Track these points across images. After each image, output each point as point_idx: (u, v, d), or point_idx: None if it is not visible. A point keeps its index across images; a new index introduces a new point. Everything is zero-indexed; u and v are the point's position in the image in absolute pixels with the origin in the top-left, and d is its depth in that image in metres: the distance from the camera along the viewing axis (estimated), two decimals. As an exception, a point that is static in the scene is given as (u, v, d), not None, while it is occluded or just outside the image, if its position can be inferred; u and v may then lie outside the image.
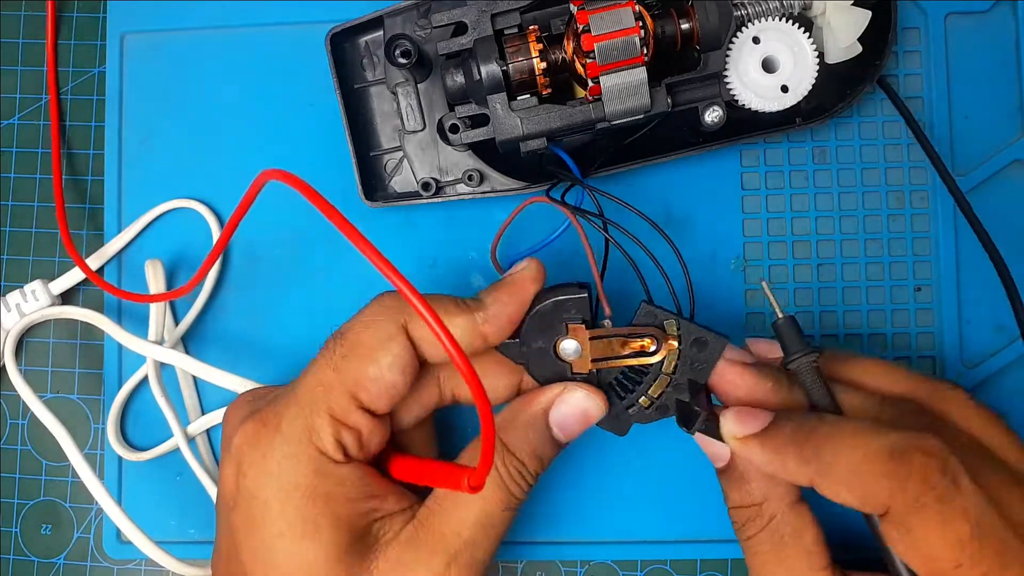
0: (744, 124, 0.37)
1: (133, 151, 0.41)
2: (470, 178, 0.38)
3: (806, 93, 0.36)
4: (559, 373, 0.32)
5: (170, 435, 0.39)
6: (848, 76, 0.37)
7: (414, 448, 0.35)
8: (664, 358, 0.32)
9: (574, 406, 0.32)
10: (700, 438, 0.32)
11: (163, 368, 0.40)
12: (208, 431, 0.40)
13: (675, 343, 0.32)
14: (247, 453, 0.30)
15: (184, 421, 0.40)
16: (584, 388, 0.32)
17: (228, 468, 0.31)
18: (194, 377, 0.40)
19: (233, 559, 0.31)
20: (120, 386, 0.40)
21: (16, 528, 0.41)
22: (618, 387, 0.33)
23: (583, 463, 0.39)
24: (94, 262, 0.40)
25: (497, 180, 0.38)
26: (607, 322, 0.33)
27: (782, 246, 0.39)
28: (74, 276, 0.40)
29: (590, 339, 0.32)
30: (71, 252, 0.39)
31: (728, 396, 0.32)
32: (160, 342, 0.39)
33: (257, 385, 0.37)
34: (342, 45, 0.38)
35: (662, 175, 0.39)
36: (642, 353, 0.32)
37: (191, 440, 0.39)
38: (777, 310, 0.32)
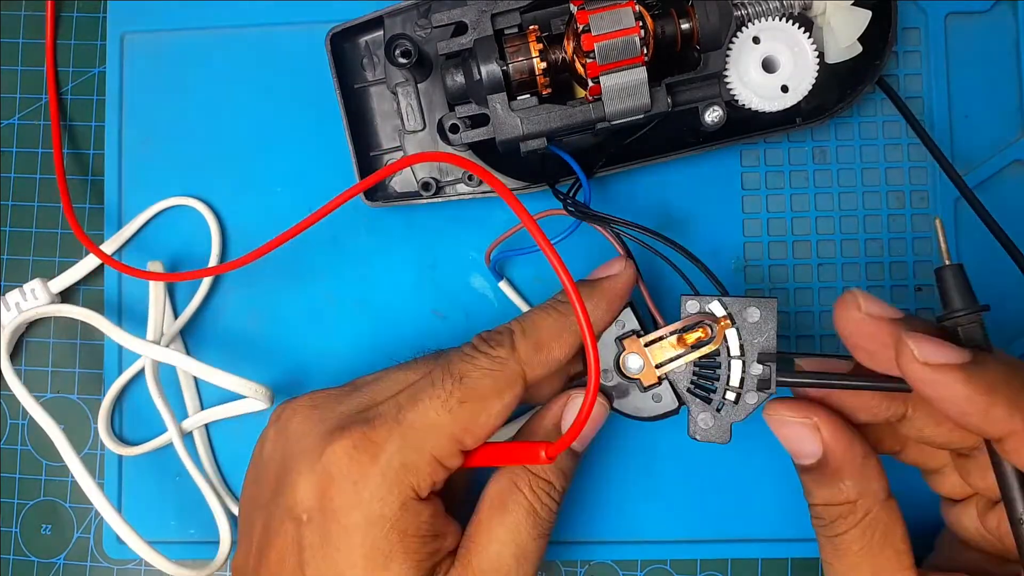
0: (744, 124, 0.37)
1: (133, 151, 0.41)
2: (470, 178, 0.38)
3: (806, 93, 0.36)
4: (626, 390, 0.33)
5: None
6: (848, 76, 0.37)
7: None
8: (725, 341, 0.31)
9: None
10: (788, 435, 0.30)
11: (161, 364, 0.40)
12: (206, 427, 0.40)
13: (727, 321, 0.31)
14: (338, 477, 0.30)
15: (180, 416, 0.40)
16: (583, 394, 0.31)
17: (307, 482, 0.30)
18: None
19: (292, 570, 0.30)
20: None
21: (16, 528, 0.41)
22: (700, 392, 0.32)
23: (583, 463, 0.39)
24: (92, 261, 0.41)
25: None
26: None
27: (782, 246, 0.39)
28: (73, 275, 0.40)
29: (644, 345, 0.32)
30: (80, 237, 0.39)
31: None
32: (158, 340, 0.39)
33: (256, 385, 0.37)
34: (342, 45, 0.38)
35: (662, 175, 0.39)
36: (702, 344, 0.31)
37: (187, 436, 0.39)
38: (945, 255, 0.28)
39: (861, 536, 0.29)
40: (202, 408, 0.40)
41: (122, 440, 0.40)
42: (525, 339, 0.32)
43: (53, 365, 0.41)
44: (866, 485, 0.29)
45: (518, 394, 0.31)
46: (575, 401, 0.33)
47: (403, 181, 0.39)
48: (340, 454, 0.30)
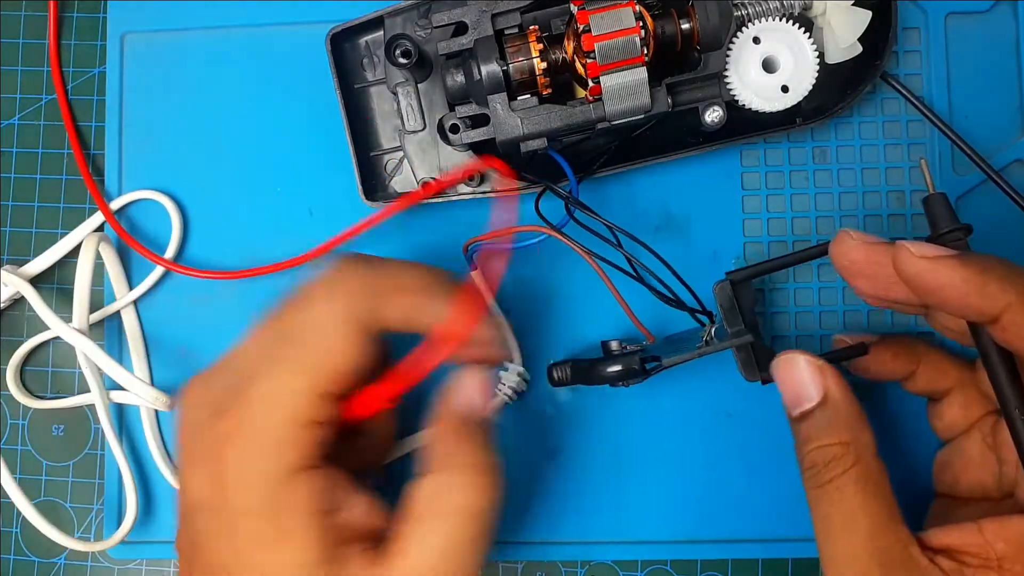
0: (744, 124, 0.37)
1: (134, 151, 0.41)
2: (470, 178, 0.38)
3: (806, 93, 0.36)
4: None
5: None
6: (848, 76, 0.37)
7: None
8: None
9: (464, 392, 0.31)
10: (793, 378, 0.31)
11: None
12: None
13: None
14: (216, 460, 0.29)
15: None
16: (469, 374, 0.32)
17: (199, 471, 0.30)
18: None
19: (199, 562, 0.30)
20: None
21: (16, 528, 0.41)
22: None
23: (583, 463, 0.39)
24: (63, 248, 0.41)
25: (497, 180, 0.38)
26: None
27: (782, 246, 0.39)
28: (46, 259, 0.41)
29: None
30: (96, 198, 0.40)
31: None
32: (84, 325, 0.38)
33: (157, 393, 0.37)
34: (342, 45, 0.38)
35: (662, 175, 0.39)
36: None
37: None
38: (931, 187, 0.31)
39: (856, 480, 0.30)
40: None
41: (27, 391, 0.41)
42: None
43: (53, 365, 0.41)
44: (859, 434, 0.30)
45: (371, 339, 0.29)
46: (462, 377, 0.31)
47: (403, 181, 0.39)
48: (219, 439, 0.29)
